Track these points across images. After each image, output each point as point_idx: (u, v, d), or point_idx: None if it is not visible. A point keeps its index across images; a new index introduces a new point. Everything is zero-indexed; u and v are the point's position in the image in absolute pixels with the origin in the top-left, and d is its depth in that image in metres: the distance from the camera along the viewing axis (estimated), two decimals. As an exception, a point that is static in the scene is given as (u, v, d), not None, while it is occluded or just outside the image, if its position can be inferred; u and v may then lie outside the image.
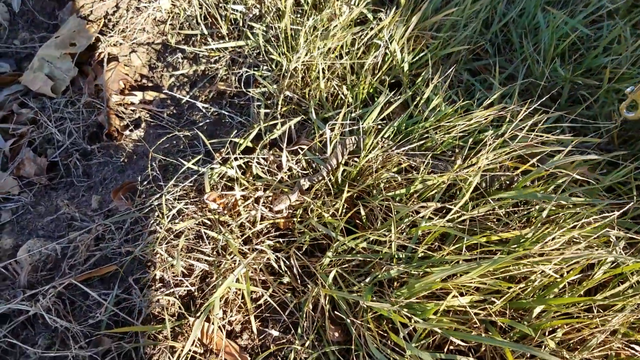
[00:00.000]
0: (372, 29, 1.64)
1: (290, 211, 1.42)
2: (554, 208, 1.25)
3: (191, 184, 1.50)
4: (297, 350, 1.21)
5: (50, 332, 1.33)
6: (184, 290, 1.34)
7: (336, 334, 1.22)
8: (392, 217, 1.18)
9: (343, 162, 1.42)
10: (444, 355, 1.04)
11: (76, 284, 1.38)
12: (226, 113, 1.70)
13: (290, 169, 1.42)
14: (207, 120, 1.73)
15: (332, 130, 1.41)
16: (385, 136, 1.47)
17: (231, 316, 1.31)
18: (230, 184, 1.48)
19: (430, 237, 1.16)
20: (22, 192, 1.70)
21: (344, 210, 1.31)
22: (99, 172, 1.72)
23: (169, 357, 1.22)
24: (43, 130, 1.82)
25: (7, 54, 2.12)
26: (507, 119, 1.45)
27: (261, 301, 1.33)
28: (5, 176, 1.72)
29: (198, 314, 1.27)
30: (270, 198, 1.44)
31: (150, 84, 1.93)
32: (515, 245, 1.15)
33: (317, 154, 1.45)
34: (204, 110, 1.74)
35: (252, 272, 1.33)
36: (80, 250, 1.45)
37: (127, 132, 1.78)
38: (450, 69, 1.61)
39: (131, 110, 1.84)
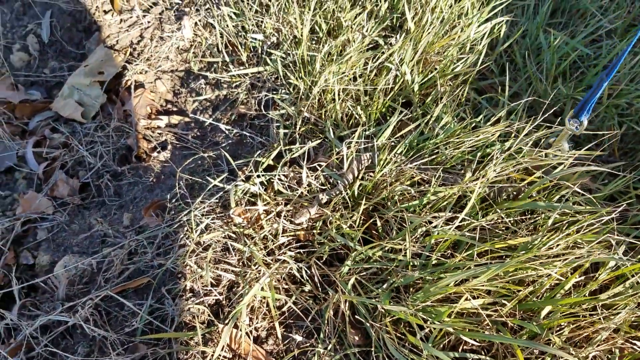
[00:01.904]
0: (383, 53, 1.76)
1: (310, 224, 1.52)
2: (558, 216, 1.33)
3: (217, 201, 1.60)
4: (320, 353, 1.29)
5: (88, 341, 1.42)
6: (213, 299, 1.44)
7: (356, 338, 1.30)
8: (407, 227, 1.27)
9: (359, 177, 1.52)
10: (459, 355, 1.12)
11: (112, 296, 1.48)
12: (247, 134, 1.81)
13: (309, 185, 1.51)
14: (230, 141, 1.85)
15: (348, 147, 1.51)
16: (398, 152, 1.56)
17: (257, 323, 1.40)
18: (253, 200, 1.58)
19: (443, 245, 1.25)
20: (57, 211, 1.82)
21: (360, 222, 1.40)
22: (129, 192, 1.83)
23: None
24: (74, 153, 1.94)
25: (37, 82, 2.26)
26: (513, 135, 1.55)
27: (285, 308, 1.42)
28: (40, 197, 1.83)
29: (226, 321, 1.37)
30: (290, 212, 1.54)
31: (175, 109, 2.06)
32: (524, 252, 1.24)
33: (334, 170, 1.55)
34: (226, 132, 1.86)
35: (275, 282, 1.42)
36: (115, 264, 1.55)
37: (154, 154, 1.90)
38: (458, 89, 1.72)
39: (158, 133, 1.96)
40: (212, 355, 1.31)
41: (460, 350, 1.19)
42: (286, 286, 1.43)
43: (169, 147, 1.93)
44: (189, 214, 1.56)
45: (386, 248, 1.32)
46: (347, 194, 1.49)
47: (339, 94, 1.67)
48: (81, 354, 1.38)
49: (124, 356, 1.33)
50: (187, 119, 2.01)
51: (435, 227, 1.30)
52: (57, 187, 1.86)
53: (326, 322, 1.34)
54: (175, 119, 2.02)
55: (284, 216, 1.52)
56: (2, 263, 1.63)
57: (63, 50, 2.34)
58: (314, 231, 1.50)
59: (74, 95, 2.08)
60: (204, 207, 1.58)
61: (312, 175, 1.51)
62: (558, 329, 1.19)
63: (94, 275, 1.57)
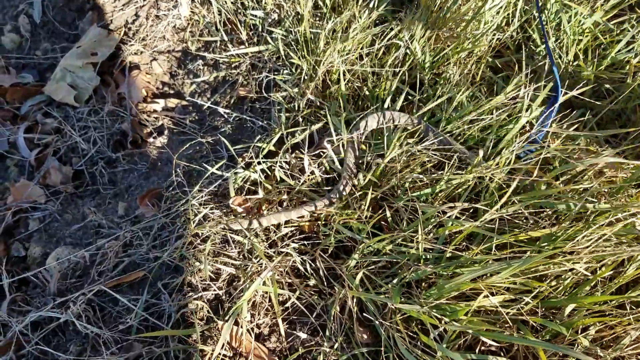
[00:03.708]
0: (392, 29, 1.64)
1: (315, 215, 1.42)
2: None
3: (215, 189, 1.51)
4: (326, 352, 1.21)
5: (81, 338, 1.35)
6: (212, 294, 1.35)
7: (364, 336, 1.22)
8: (419, 218, 1.17)
9: (364, 163, 1.42)
10: (476, 356, 1.03)
11: (105, 291, 1.40)
12: (247, 118, 1.71)
13: (312, 172, 1.42)
14: (229, 126, 1.75)
15: (350, 133, 1.41)
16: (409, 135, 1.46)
17: (259, 319, 1.32)
18: (254, 188, 1.49)
19: (459, 238, 1.15)
20: (49, 200, 1.73)
21: (369, 213, 1.31)
22: (125, 180, 1.74)
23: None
24: (67, 139, 1.85)
25: (29, 64, 2.16)
26: (524, 106, 1.43)
27: (288, 304, 1.33)
28: (32, 185, 1.75)
29: (226, 318, 1.28)
30: (293, 202, 1.45)
31: (171, 92, 1.96)
32: (546, 244, 1.14)
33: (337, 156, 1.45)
34: (225, 116, 1.76)
35: (278, 275, 1.34)
36: (109, 257, 1.47)
37: (150, 140, 1.80)
38: (472, 67, 1.60)
39: (154, 117, 1.87)
40: (212, 354, 1.24)
41: (477, 350, 1.10)
42: (289, 280, 1.34)
43: (166, 132, 1.83)
44: (186, 203, 1.47)
45: (397, 240, 1.22)
46: (352, 186, 1.39)
47: (344, 75, 1.56)
48: (73, 353, 1.30)
49: (118, 355, 1.25)
50: (184, 102, 1.91)
51: (449, 217, 1.20)
52: (49, 175, 1.77)
53: (332, 319, 1.25)
54: (172, 102, 1.92)
55: (286, 206, 1.43)
56: (-8, 255, 1.56)
57: (55, 30, 2.23)
58: (319, 222, 1.41)
59: (66, 78, 1.98)
60: (202, 196, 1.50)
61: (315, 163, 1.41)
62: (583, 327, 1.10)
63: (88, 268, 1.49)
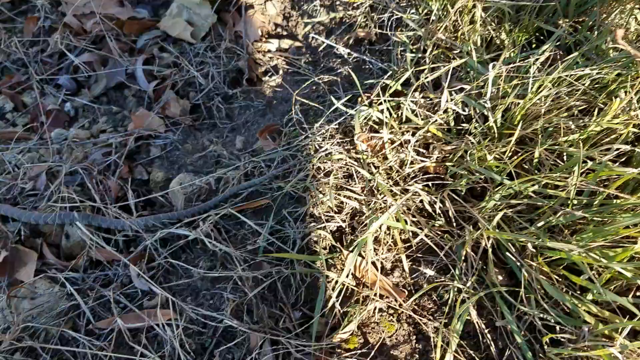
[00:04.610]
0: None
1: (441, 155, 1.40)
2: None
3: (336, 127, 1.51)
4: (460, 289, 1.20)
5: (209, 256, 1.40)
6: (335, 226, 1.37)
7: (500, 277, 1.20)
8: (574, 158, 1.12)
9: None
10: (633, 300, 0.99)
11: (230, 215, 1.44)
12: (367, 59, 1.69)
13: (446, 111, 1.39)
14: (346, 67, 1.73)
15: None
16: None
17: (381, 254, 1.32)
18: (376, 127, 1.48)
19: (617, 182, 1.09)
20: (168, 130, 1.79)
21: (509, 154, 1.27)
22: (241, 115, 1.77)
23: (325, 286, 1.25)
24: (185, 74, 1.89)
25: (143, 0, 2.21)
26: None
27: (412, 242, 1.33)
28: (152, 115, 1.81)
29: (350, 249, 1.30)
30: (419, 142, 1.43)
31: (285, 33, 1.96)
32: None
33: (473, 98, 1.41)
34: (344, 56, 1.74)
35: (402, 214, 1.33)
36: (231, 184, 1.51)
37: (266, 78, 1.82)
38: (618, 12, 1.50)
39: (268, 57, 1.88)
40: (336, 281, 1.25)
41: (630, 296, 1.06)
42: (414, 219, 1.33)
43: (280, 72, 1.84)
44: (309, 137, 1.48)
45: (542, 183, 1.18)
46: (488, 123, 1.36)
47: (480, 15, 1.50)
48: (203, 268, 1.36)
49: (248, 272, 1.29)
50: (298, 44, 1.91)
51: (599, 163, 1.15)
52: (168, 107, 1.83)
53: (463, 259, 1.24)
54: (285, 44, 1.92)
55: (412, 146, 1.41)
56: (117, 176, 1.63)
57: (169, -31, 2.26)
58: (447, 163, 1.38)
59: (183, 14, 2.02)
60: (322, 133, 1.50)
61: (451, 100, 1.38)
62: None
63: (211, 194, 1.54)
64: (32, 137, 1.80)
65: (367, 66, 1.69)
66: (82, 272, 1.41)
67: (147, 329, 1.28)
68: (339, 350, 1.23)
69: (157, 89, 1.89)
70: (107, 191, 1.59)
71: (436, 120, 1.39)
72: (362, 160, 1.39)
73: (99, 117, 1.87)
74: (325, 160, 1.42)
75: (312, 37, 1.88)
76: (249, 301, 1.26)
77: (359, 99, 1.56)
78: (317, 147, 1.45)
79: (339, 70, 1.74)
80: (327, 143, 1.45)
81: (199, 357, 1.22)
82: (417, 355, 1.22)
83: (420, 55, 1.57)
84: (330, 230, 1.36)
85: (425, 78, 1.44)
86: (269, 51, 1.89)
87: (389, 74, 1.59)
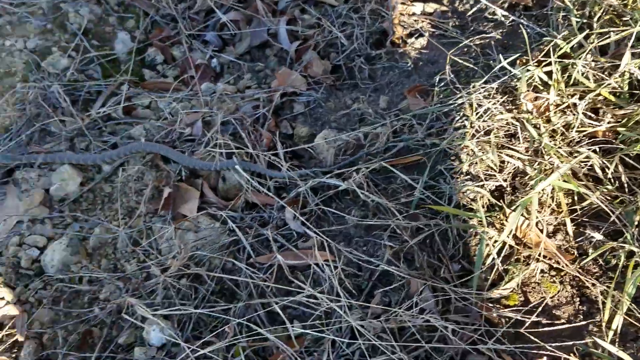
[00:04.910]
0: None
1: (613, 120, 1.34)
2: None
3: (495, 87, 1.48)
4: (632, 252, 1.14)
5: (359, 206, 1.43)
6: (494, 184, 1.35)
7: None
8: None
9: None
10: None
11: (378, 170, 1.46)
12: (525, 22, 1.64)
13: (622, 74, 1.32)
14: (499, 31, 1.69)
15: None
16: None
17: (544, 216, 1.29)
18: (541, 88, 1.43)
19: None
20: (310, 89, 1.84)
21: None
22: (384, 76, 1.78)
23: (485, 242, 1.24)
24: (327, 35, 1.93)
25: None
26: None
27: (577, 206, 1.29)
28: (295, 74, 1.86)
29: (513, 208, 1.27)
30: (587, 105, 1.37)
31: (429, -4, 1.95)
32: None
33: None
34: (500, 18, 1.70)
35: (568, 177, 1.29)
36: (380, 139, 1.53)
37: (411, 40, 1.82)
38: None
39: (413, 20, 1.87)
40: (495, 239, 1.24)
41: None
42: (582, 183, 1.29)
43: (426, 34, 1.83)
44: (464, 97, 1.46)
45: None
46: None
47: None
48: (356, 216, 1.39)
49: (404, 222, 1.31)
50: (443, 8, 1.89)
51: None
52: (310, 66, 1.87)
53: (635, 224, 1.18)
54: (430, 7, 1.91)
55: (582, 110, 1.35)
56: (266, 128, 1.70)
57: None
58: (620, 128, 1.32)
59: (325, -23, 2.05)
60: (480, 91, 1.48)
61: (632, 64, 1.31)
62: None
63: (357, 149, 1.56)
64: (183, 88, 1.91)
65: (522, 30, 1.64)
66: (240, 212, 1.49)
67: (303, 267, 1.34)
68: (498, 305, 1.22)
69: (299, 49, 1.94)
70: (258, 141, 1.66)
71: (609, 84, 1.33)
72: (526, 120, 1.35)
73: (244, 73, 1.96)
74: (485, 119, 1.40)
75: (459, 1, 1.85)
76: (408, 249, 1.28)
77: (517, 62, 1.52)
78: (476, 106, 1.43)
79: (491, 34, 1.71)
80: (488, 102, 1.43)
81: (355, 298, 1.25)
82: (581, 316, 1.18)
83: (587, 20, 1.50)
84: (489, 190, 1.34)
85: (594, 43, 1.38)
86: (414, 14, 1.88)
87: (541, 40, 1.54)
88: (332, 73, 1.89)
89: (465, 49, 1.69)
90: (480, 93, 1.47)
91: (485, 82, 1.50)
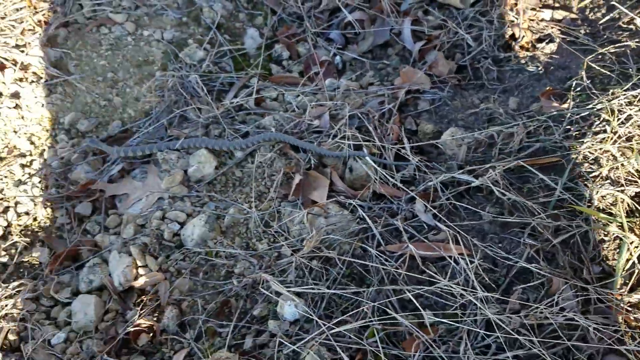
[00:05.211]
0: None
1: None
2: None
3: (636, 94, 1.46)
4: None
5: (492, 203, 1.45)
6: (634, 190, 1.33)
7: None
8: None
9: None
10: None
11: (514, 168, 1.47)
12: (670, 31, 1.60)
13: None
14: (635, 40, 1.66)
15: None
16: None
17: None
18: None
19: None
20: (435, 87, 1.88)
21: None
22: (513, 78, 1.79)
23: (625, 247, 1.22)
24: (452, 36, 1.96)
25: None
26: None
27: None
28: (420, 72, 1.90)
29: (661, 216, 1.25)
30: None
31: (557, 5, 1.93)
32: None
33: None
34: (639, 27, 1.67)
35: None
36: (515, 139, 1.53)
37: (540, 45, 1.82)
38: None
39: (542, 25, 1.87)
40: (636, 245, 1.22)
41: None
42: None
43: (557, 40, 1.82)
44: (606, 102, 1.45)
45: None
46: None
47: None
48: (491, 213, 1.41)
49: (547, 221, 1.31)
50: (573, 15, 1.87)
51: None
52: (435, 65, 1.91)
53: None
54: (559, 14, 1.90)
55: None
56: (392, 122, 1.75)
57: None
58: None
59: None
60: (621, 98, 1.45)
61: None
62: None
63: (489, 148, 1.58)
64: (308, 83, 2.00)
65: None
66: (368, 202, 1.55)
67: (435, 259, 1.37)
68: (636, 309, 1.20)
69: (422, 49, 1.99)
70: (385, 135, 1.72)
71: None
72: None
73: (367, 71, 2.03)
74: (627, 126, 1.38)
75: (590, 10, 1.83)
76: (548, 248, 1.28)
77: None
78: (617, 112, 1.41)
79: (626, 43, 1.67)
80: (630, 109, 1.41)
81: (491, 292, 1.27)
82: None
83: None
84: (630, 195, 1.32)
85: None
86: (543, 20, 1.88)
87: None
88: (457, 73, 1.92)
89: (600, 57, 1.66)
90: (621, 100, 1.45)
91: (626, 90, 1.48)
